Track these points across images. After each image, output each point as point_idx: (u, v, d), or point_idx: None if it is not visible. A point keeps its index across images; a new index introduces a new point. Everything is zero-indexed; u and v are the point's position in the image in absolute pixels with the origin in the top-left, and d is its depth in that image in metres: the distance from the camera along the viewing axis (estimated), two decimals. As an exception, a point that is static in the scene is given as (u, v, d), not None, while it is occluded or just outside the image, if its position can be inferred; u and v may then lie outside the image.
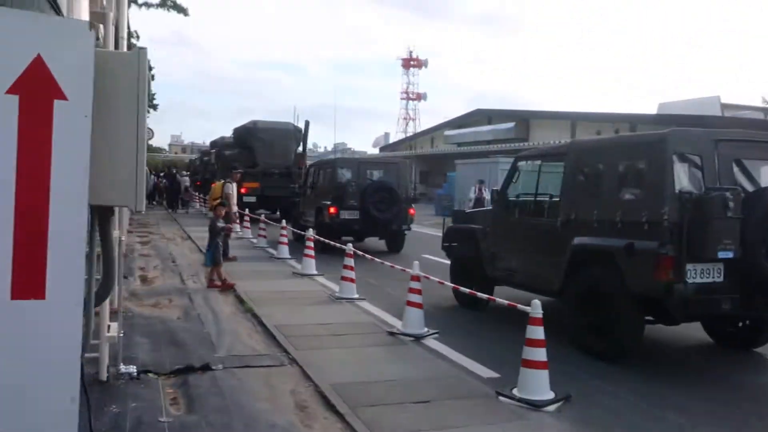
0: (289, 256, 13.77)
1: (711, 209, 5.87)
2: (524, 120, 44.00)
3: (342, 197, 14.98)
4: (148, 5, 43.68)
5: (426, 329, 7.54)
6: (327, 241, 12.00)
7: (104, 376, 5.35)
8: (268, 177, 23.89)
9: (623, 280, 6.40)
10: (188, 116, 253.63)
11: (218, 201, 13.33)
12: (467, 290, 7.45)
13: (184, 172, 39.16)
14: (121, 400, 5.06)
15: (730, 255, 5.91)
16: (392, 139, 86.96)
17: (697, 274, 6.03)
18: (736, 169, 6.53)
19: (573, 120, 39.00)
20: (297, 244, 14.86)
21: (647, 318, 6.67)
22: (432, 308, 8.75)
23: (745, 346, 7.34)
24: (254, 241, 16.85)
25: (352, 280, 9.62)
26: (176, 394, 5.35)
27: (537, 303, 5.42)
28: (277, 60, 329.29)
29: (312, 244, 11.89)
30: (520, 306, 5.75)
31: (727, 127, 33.11)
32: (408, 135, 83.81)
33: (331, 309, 8.93)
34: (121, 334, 5.61)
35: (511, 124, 43.55)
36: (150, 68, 49.03)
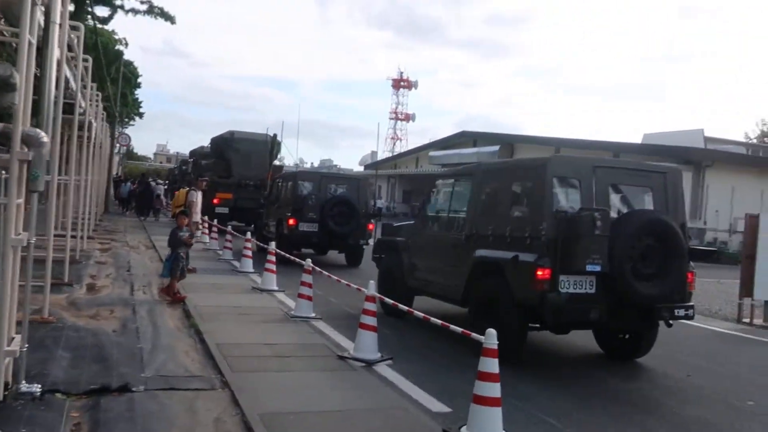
0: (252, 270, 13.16)
1: (580, 227, 6.57)
2: (509, 144, 43.81)
3: (302, 209, 15.27)
4: (135, 12, 43.28)
5: (379, 354, 6.96)
6: (285, 254, 11.43)
7: (0, 395, 4.71)
8: (242, 188, 23.30)
9: (510, 289, 7.08)
10: (176, 126, 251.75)
11: (180, 209, 12.73)
12: (390, 301, 7.47)
13: (159, 181, 38.48)
14: (12, 424, 4.42)
15: (598, 268, 6.59)
16: (380, 157, 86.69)
17: (570, 285, 6.73)
18: (612, 192, 7.31)
19: (557, 146, 38.78)
20: (262, 257, 14.23)
21: (533, 325, 7.24)
22: (389, 330, 8.20)
23: (627, 356, 7.99)
24: (220, 252, 16.20)
25: (309, 298, 9.03)
26: (81, 419, 4.71)
27: (492, 333, 4.87)
28: (268, 76, 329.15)
29: (273, 258, 11.29)
30: (474, 335, 5.20)
31: (712, 159, 33.43)
32: (394, 154, 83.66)
33: (283, 328, 8.33)
34: (25, 348, 4.97)
35: (495, 148, 43.32)
36: (137, 75, 48.60)
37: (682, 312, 7.16)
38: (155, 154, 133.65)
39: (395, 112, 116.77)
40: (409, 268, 9.37)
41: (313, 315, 8.95)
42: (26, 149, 4.64)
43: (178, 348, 6.98)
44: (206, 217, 20.15)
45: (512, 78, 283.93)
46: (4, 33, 6.57)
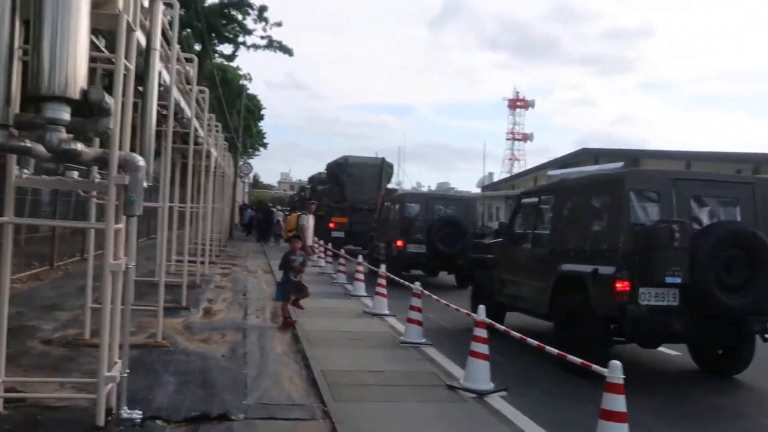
0: (364, 293, 12.97)
1: (657, 239, 6.62)
2: (634, 159, 41.50)
3: (409, 231, 15.47)
4: (256, 47, 45.36)
5: (492, 384, 6.44)
6: (394, 277, 11.15)
7: (101, 420, 4.66)
8: (356, 212, 23.42)
9: (590, 302, 7.15)
10: (298, 155, 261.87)
11: (292, 233, 12.81)
12: (487, 320, 6.71)
13: (279, 207, 39.79)
14: (110, 452, 4.35)
15: (678, 280, 6.60)
16: (497, 179, 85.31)
17: (651, 297, 6.72)
18: (695, 205, 7.24)
19: (687, 159, 36.29)
20: (374, 280, 14.02)
21: (618, 339, 7.28)
22: (504, 359, 7.64)
23: (724, 372, 7.70)
24: (334, 276, 16.19)
25: (419, 323, 8.65)
26: (177, 448, 4.58)
27: (616, 365, 4.27)
28: (385, 103, 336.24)
29: (383, 282, 11.02)
30: (595, 367, 4.59)
31: None
32: (512, 174, 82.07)
33: (392, 354, 7.98)
34: (125, 374, 4.92)
35: (619, 164, 41.13)
36: (260, 108, 50.85)
37: None
38: (279, 182, 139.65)
39: (512, 133, 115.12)
40: (498, 285, 9.64)
41: (423, 341, 8.55)
42: (123, 174, 4.62)
43: (283, 374, 6.80)
44: (321, 241, 20.39)
45: (633, 93, 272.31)
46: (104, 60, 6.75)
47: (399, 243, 15.59)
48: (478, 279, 10.51)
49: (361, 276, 13.31)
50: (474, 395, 6.25)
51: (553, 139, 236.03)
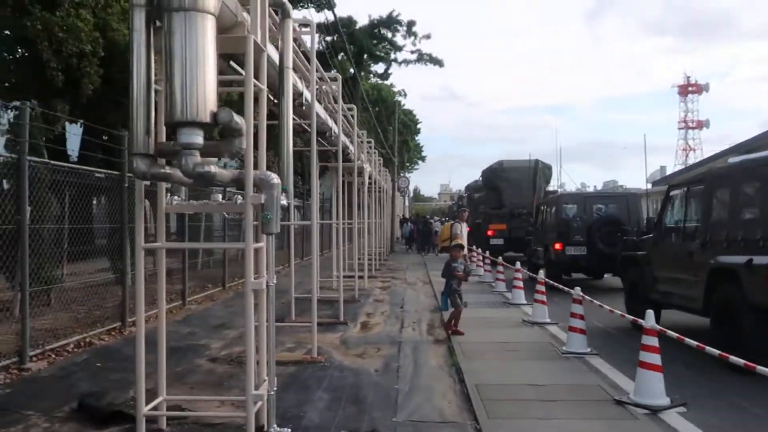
0: (524, 302, 12.43)
1: None
2: (832, 138, 36.59)
3: (567, 233, 14.93)
4: (407, 62, 46.07)
5: (668, 399, 5.75)
6: (553, 283, 10.54)
7: (252, 438, 4.70)
8: (515, 218, 22.77)
9: (745, 293, 6.82)
10: (456, 165, 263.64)
11: (448, 242, 12.58)
12: (657, 326, 6.03)
13: (436, 218, 39.97)
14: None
15: None
16: (669, 172, 79.48)
17: None
18: None
19: None
20: (534, 287, 13.43)
21: None
22: (682, 369, 6.85)
23: None
24: (493, 284, 15.74)
25: (582, 331, 8.03)
26: (324, 468, 4.49)
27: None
28: (543, 104, 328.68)
29: (542, 288, 10.44)
30: (760, 369, 3.87)
31: None
32: (687, 166, 76.08)
33: (552, 366, 7.46)
34: (273, 391, 4.94)
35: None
36: (416, 122, 51.88)
37: None
38: (439, 194, 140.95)
39: (685, 121, 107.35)
40: (650, 281, 9.43)
41: (588, 350, 7.92)
42: (259, 193, 4.66)
43: (436, 389, 6.56)
44: (479, 249, 20.02)
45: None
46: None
47: (557, 246, 15.08)
48: (631, 277, 10.35)
49: (520, 283, 12.79)
50: (647, 411, 5.60)
51: (733, 124, 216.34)
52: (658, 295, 9.22)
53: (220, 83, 4.83)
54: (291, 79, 5.82)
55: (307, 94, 7.90)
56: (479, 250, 19.97)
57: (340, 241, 14.72)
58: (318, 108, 9.08)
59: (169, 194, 5.20)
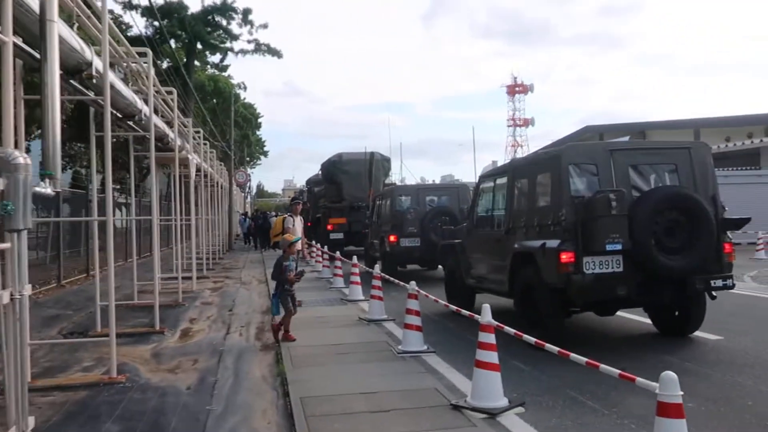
0: (362, 297, 11.84)
1: (596, 209, 6.93)
2: (640, 132, 40.18)
3: (401, 225, 14.97)
4: (244, 52, 44.32)
5: (506, 400, 5.31)
6: (389, 277, 10.03)
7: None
8: (355, 211, 22.25)
9: (541, 275, 7.49)
10: (301, 161, 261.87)
11: (284, 238, 11.62)
12: (454, 307, 7.27)
13: (273, 213, 38.91)
14: None
15: (619, 247, 6.91)
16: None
17: (596, 265, 7.03)
18: (633, 174, 7.51)
19: (696, 127, 34.97)
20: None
21: (574, 309, 7.86)
22: (520, 364, 6.51)
23: (680, 332, 8.12)
24: (331, 280, 15.06)
25: (417, 328, 7.50)
26: None
27: (670, 379, 3.11)
28: (384, 101, 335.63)
29: (379, 283, 9.87)
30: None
31: None
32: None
33: (387, 369, 6.83)
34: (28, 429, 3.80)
35: (625, 138, 39.80)
36: (257, 116, 50.06)
37: (720, 282, 7.30)
38: (283, 189, 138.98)
39: (513, 119, 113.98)
40: (465, 268, 10.02)
41: (425, 348, 7.42)
42: (-4, 176, 3.51)
43: (256, 407, 5.68)
44: (318, 244, 19.31)
45: (629, 68, 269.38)
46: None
47: (392, 238, 15.04)
48: (449, 265, 10.81)
49: (357, 279, 12.19)
50: (484, 415, 5.11)
51: (555, 121, 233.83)
52: (472, 281, 9.85)
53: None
54: (56, 34, 4.60)
55: (98, 64, 6.63)
56: (318, 245, 19.25)
57: (157, 240, 13.27)
58: (117, 84, 7.79)
59: None
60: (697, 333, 8.06)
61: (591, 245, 6.95)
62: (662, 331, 8.35)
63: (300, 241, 11.42)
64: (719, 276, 7.33)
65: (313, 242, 20.92)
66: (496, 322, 5.40)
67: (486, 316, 5.44)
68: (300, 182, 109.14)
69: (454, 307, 7.21)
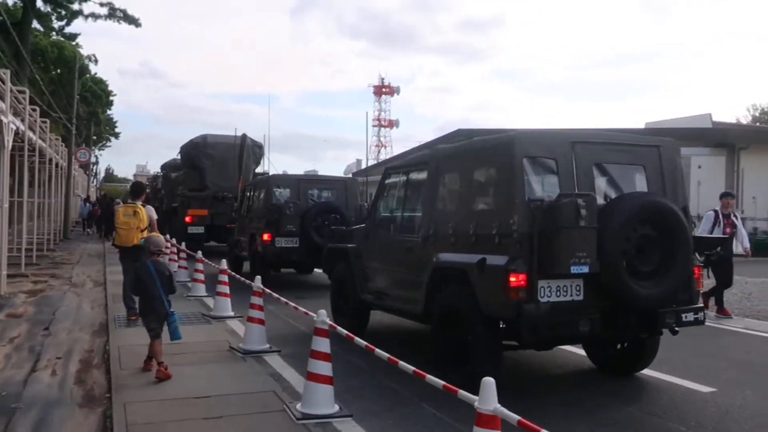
0: (230, 314, 9.22)
1: (561, 217, 5.13)
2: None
3: (278, 222, 12.36)
4: (95, 16, 39.25)
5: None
6: (239, 277, 8.65)
7: None
8: (219, 202, 19.27)
9: (476, 299, 5.66)
10: (157, 147, 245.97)
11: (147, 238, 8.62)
12: (343, 331, 5.15)
13: (119, 200, 34.68)
14: None
15: (586, 269, 5.18)
16: (364, 166, 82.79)
17: (552, 292, 5.33)
18: (597, 174, 5.87)
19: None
20: (241, 288, 10.28)
21: (509, 343, 5.86)
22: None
23: (626, 370, 6.56)
24: (189, 285, 12.16)
25: (327, 380, 5.09)
26: None
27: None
28: (248, 92, 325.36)
29: (260, 301, 7.26)
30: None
31: (746, 141, 29.85)
32: (384, 160, 79.97)
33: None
34: None
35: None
36: (108, 93, 44.55)
37: (691, 316, 5.76)
38: (135, 175, 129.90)
39: (378, 119, 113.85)
40: (361, 280, 8.00)
41: (337, 410, 5.04)
42: None
43: None
44: (173, 239, 16.24)
45: (488, 80, 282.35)
46: None
47: (265, 237, 12.49)
48: (337, 273, 8.70)
49: (226, 289, 9.45)
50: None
51: (416, 126, 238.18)
52: (370, 296, 7.85)
53: None
54: None
55: None
56: (173, 241, 16.23)
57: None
58: None
59: None
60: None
61: (551, 265, 5.17)
62: (601, 366, 6.75)
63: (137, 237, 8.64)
64: (691, 308, 5.84)
65: (167, 236, 17.77)
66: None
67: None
68: (155, 168, 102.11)
69: (343, 331, 5.10)
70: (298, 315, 6.96)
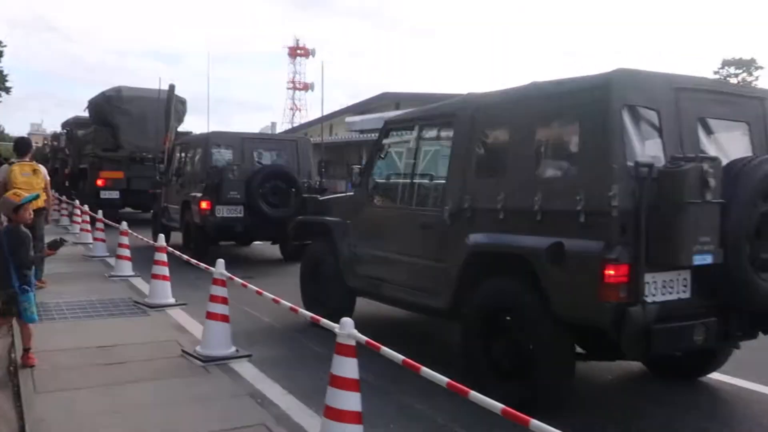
0: (172, 301, 7.58)
1: (683, 189, 3.87)
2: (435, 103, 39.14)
3: (219, 187, 10.71)
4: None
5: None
6: (182, 255, 7.49)
7: None
8: (137, 164, 17.22)
9: (546, 299, 4.28)
10: (53, 106, 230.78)
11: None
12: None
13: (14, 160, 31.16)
14: None
15: (709, 259, 3.95)
16: (279, 130, 79.97)
17: (658, 289, 4.03)
18: (701, 131, 4.54)
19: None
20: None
21: (578, 352, 4.64)
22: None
23: (690, 374, 5.36)
24: (110, 263, 10.31)
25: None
26: None
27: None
28: (153, 49, 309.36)
29: (223, 292, 5.69)
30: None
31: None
32: (295, 126, 77.44)
33: None
34: None
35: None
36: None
37: None
38: (29, 134, 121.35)
39: (293, 82, 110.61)
40: (349, 262, 6.53)
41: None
42: None
43: None
44: (77, 202, 14.12)
45: (403, 44, 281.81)
46: None
47: (203, 205, 10.82)
48: (312, 253, 7.20)
49: (165, 270, 7.67)
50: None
51: (331, 90, 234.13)
52: (361, 282, 6.41)
53: None
54: None
55: None
56: (84, 207, 14.14)
57: None
58: None
59: None
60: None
61: (665, 254, 3.89)
62: (662, 370, 5.50)
63: (38, 200, 6.82)
64: None
65: (75, 201, 15.55)
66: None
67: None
68: (52, 127, 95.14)
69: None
70: (255, 301, 5.51)
